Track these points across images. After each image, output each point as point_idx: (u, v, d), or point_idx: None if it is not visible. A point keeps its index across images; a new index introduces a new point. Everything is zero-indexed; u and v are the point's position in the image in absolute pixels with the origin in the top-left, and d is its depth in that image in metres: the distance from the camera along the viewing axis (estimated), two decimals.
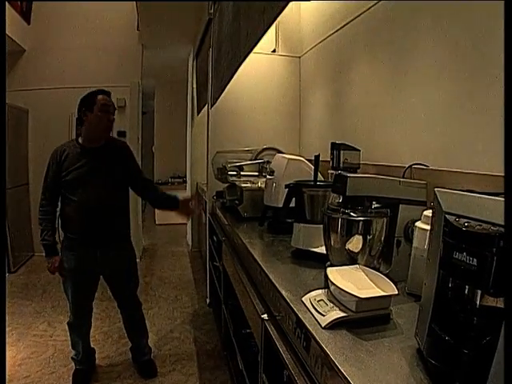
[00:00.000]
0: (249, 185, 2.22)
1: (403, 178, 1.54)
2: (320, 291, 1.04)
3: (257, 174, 2.66)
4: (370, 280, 1.05)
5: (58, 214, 2.17)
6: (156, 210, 6.85)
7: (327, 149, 2.50)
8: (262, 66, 3.22)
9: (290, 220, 1.53)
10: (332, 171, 1.91)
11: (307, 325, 0.90)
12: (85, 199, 2.05)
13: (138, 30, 4.82)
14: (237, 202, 2.24)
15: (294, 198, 1.53)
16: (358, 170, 1.89)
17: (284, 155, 1.92)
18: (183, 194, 2.50)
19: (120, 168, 2.18)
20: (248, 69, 3.15)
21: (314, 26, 2.98)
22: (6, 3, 4.03)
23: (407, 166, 1.60)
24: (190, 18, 4.24)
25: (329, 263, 1.25)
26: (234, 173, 2.54)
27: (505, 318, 0.57)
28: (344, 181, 1.17)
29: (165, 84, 7.03)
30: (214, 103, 2.97)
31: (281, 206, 1.83)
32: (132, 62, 4.88)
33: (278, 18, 3.11)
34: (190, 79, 5.43)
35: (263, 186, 2.22)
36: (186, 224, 5.89)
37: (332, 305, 0.95)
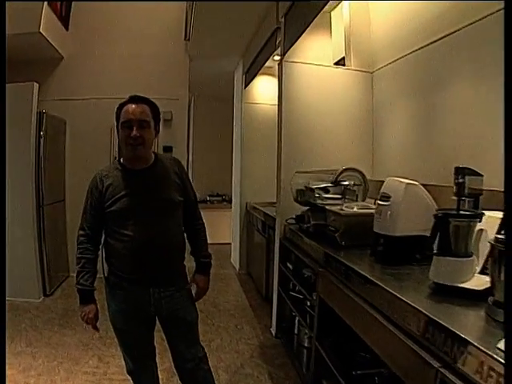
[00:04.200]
0: (348, 210, 2.17)
1: None
2: None
3: (340, 196, 2.62)
4: None
5: (100, 250, 1.90)
6: None
7: (411, 171, 2.48)
8: (331, 79, 3.21)
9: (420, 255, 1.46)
10: (455, 197, 1.85)
11: None
12: (138, 234, 1.77)
13: (185, 39, 4.88)
14: (332, 228, 2.20)
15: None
16: (481, 197, 1.83)
17: (399, 179, 1.87)
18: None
19: (176, 191, 1.89)
20: (318, 82, 3.15)
21: (387, 42, 3.01)
22: (47, 6, 4.10)
23: None
24: (242, 32, 4.29)
25: (491, 299, 1.20)
26: (318, 195, 2.50)
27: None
28: None
29: (204, 97, 7.08)
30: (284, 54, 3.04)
31: (398, 234, 1.82)
32: (178, 73, 4.93)
33: (347, 33, 3.15)
34: (237, 94, 5.46)
35: (361, 210, 2.19)
36: (230, 244, 5.90)
37: None
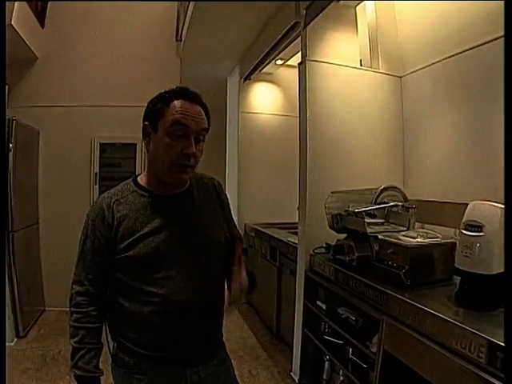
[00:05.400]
0: (410, 240, 1.83)
1: None
2: None
3: (382, 221, 2.29)
4: None
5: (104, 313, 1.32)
6: None
7: (461, 190, 2.33)
8: (359, 82, 2.89)
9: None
10: None
11: None
12: (172, 292, 1.22)
13: (176, 40, 4.51)
14: (394, 264, 1.84)
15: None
16: None
17: (491, 203, 1.55)
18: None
19: (220, 227, 1.39)
20: (344, 85, 2.83)
21: (418, 44, 2.81)
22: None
23: None
24: (244, 32, 3.97)
25: None
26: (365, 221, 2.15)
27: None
28: None
29: None
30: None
31: (494, 272, 1.49)
32: (168, 78, 4.46)
33: (372, 32, 2.88)
34: (231, 102, 5.11)
35: (428, 241, 1.86)
36: None
37: None
